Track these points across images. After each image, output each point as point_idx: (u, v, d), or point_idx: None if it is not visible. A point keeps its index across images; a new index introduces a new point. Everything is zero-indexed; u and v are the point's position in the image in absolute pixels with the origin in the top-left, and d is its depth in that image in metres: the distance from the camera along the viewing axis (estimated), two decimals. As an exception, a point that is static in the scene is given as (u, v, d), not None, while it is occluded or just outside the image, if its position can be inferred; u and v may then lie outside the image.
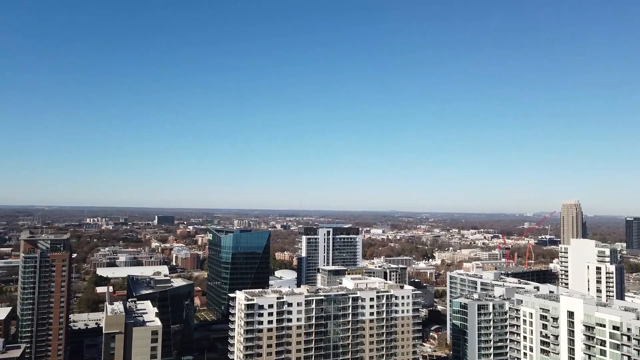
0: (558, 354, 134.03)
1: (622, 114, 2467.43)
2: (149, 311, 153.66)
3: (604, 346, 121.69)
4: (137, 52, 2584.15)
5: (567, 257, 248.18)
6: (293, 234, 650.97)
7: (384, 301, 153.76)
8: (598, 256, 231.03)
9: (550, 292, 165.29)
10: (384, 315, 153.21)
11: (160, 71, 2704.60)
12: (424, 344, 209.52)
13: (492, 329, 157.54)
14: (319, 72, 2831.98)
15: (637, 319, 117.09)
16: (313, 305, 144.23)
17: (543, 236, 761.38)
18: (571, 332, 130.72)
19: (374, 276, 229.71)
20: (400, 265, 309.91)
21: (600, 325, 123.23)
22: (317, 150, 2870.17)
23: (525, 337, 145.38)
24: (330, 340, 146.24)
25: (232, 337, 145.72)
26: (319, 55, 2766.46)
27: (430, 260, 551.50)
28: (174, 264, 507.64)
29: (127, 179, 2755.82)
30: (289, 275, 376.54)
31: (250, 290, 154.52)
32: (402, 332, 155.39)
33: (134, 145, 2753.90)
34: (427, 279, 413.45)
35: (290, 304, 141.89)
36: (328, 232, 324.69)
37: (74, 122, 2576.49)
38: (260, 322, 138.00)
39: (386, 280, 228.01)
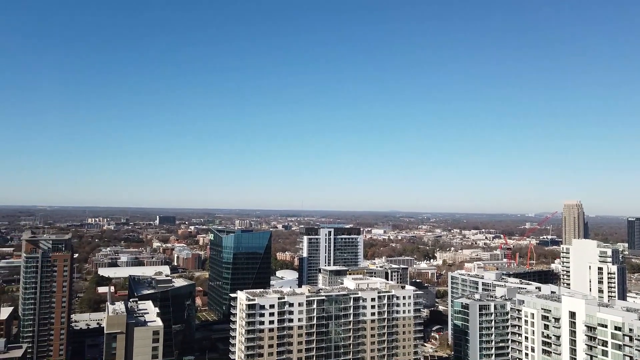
0: (560, 354, 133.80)
1: (622, 114, 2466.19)
2: (150, 311, 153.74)
3: (606, 347, 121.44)
4: (137, 52, 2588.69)
5: (568, 258, 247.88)
6: (294, 234, 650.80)
7: (385, 301, 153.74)
8: (600, 256, 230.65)
9: (552, 292, 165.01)
10: (385, 316, 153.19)
11: (160, 71, 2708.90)
12: (425, 344, 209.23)
13: (493, 329, 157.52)
14: (319, 72, 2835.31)
15: (639, 320, 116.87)
16: (314, 306, 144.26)
17: (545, 236, 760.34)
18: (573, 333, 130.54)
19: (375, 276, 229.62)
20: (402, 266, 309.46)
21: (602, 325, 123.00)
22: (318, 150, 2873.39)
23: (526, 338, 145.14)
24: (331, 341, 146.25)
25: (234, 337, 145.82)
26: (319, 55, 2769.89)
27: (432, 260, 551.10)
28: (176, 264, 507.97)
29: (128, 179, 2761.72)
30: (291, 275, 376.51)
31: (252, 290, 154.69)
32: (404, 333, 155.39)
33: (134, 145, 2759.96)
34: (429, 279, 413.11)
35: (291, 304, 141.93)
36: (329, 232, 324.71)
37: (74, 122, 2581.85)
38: (262, 323, 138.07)
39: (387, 280, 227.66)
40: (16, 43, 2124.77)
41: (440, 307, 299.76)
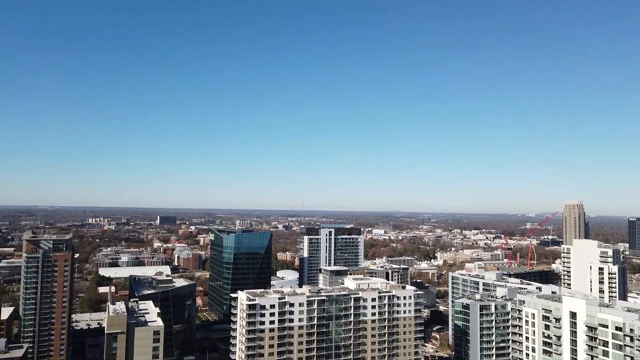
0: (560, 354, 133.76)
1: (622, 114, 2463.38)
2: (151, 311, 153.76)
3: (607, 347, 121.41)
4: (137, 52, 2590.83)
5: (569, 258, 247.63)
6: (295, 234, 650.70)
7: (385, 301, 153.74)
8: (601, 257, 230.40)
9: (553, 292, 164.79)
10: (386, 316, 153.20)
11: (160, 71, 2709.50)
12: (426, 344, 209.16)
13: (494, 329, 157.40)
14: (319, 72, 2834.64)
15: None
16: (315, 306, 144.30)
17: (545, 236, 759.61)
18: (574, 333, 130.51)
19: (375, 276, 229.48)
20: (402, 266, 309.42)
21: (603, 326, 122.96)
22: (318, 150, 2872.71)
23: (527, 338, 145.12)
24: (332, 341, 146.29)
25: (234, 337, 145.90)
26: (319, 55, 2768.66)
27: (432, 260, 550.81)
28: (176, 264, 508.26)
29: (129, 179, 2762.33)
30: (291, 275, 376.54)
31: (252, 290, 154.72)
32: (404, 333, 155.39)
33: (134, 145, 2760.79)
34: (429, 280, 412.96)
35: (292, 304, 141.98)
36: (330, 233, 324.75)
37: (74, 122, 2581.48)
38: (262, 323, 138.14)
39: (388, 280, 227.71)
40: (16, 43, 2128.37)
41: (441, 307, 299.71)
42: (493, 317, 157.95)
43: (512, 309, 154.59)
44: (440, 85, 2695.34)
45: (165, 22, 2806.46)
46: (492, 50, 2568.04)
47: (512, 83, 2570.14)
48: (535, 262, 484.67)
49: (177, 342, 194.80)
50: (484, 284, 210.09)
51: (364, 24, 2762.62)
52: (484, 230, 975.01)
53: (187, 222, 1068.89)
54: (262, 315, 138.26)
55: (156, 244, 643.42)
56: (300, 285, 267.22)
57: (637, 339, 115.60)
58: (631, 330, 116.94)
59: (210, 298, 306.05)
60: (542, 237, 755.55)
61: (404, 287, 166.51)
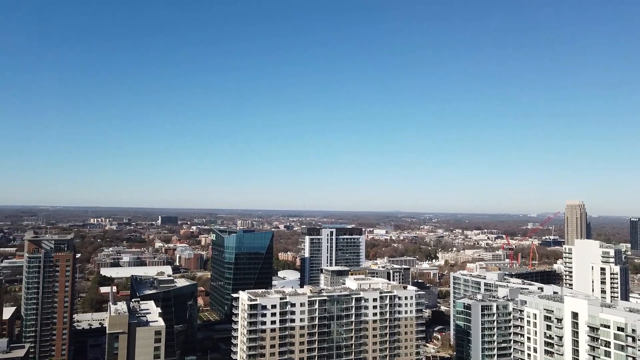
0: (562, 355, 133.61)
1: (622, 114, 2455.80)
2: (152, 311, 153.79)
3: (609, 347, 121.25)
4: (137, 52, 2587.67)
5: (571, 258, 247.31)
6: (296, 234, 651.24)
7: (387, 302, 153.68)
8: (602, 257, 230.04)
9: (555, 293, 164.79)
10: (387, 316, 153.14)
11: (160, 71, 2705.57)
12: (427, 344, 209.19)
13: (495, 329, 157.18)
14: (319, 72, 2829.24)
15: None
16: (316, 306, 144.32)
17: (547, 237, 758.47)
18: (575, 333, 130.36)
19: (377, 277, 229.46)
20: (404, 266, 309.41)
21: (605, 326, 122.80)
22: (318, 150, 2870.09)
23: (529, 338, 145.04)
24: (333, 341, 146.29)
25: (235, 338, 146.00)
26: (319, 55, 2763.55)
27: (434, 260, 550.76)
28: (178, 264, 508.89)
29: (130, 180, 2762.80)
30: (292, 275, 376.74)
31: (254, 290, 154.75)
32: (406, 333, 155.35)
33: (135, 145, 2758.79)
34: (431, 280, 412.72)
35: (293, 305, 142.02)
36: (331, 233, 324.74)
37: (74, 122, 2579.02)
38: (264, 323, 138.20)
39: (389, 280, 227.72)
40: (16, 43, 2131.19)
41: (443, 308, 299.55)
42: (495, 318, 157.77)
43: (513, 309, 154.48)
44: (440, 85, 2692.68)
45: (165, 22, 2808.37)
46: (492, 50, 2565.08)
47: (512, 83, 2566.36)
48: (536, 262, 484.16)
49: (178, 342, 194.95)
50: (485, 284, 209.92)
51: (364, 24, 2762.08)
52: (485, 230, 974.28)
53: (188, 222, 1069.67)
54: (264, 315, 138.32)
55: (157, 244, 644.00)
56: (301, 286, 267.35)
57: (639, 340, 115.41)
58: (633, 330, 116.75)
59: (212, 298, 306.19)
60: (543, 238, 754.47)
61: (405, 288, 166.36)
